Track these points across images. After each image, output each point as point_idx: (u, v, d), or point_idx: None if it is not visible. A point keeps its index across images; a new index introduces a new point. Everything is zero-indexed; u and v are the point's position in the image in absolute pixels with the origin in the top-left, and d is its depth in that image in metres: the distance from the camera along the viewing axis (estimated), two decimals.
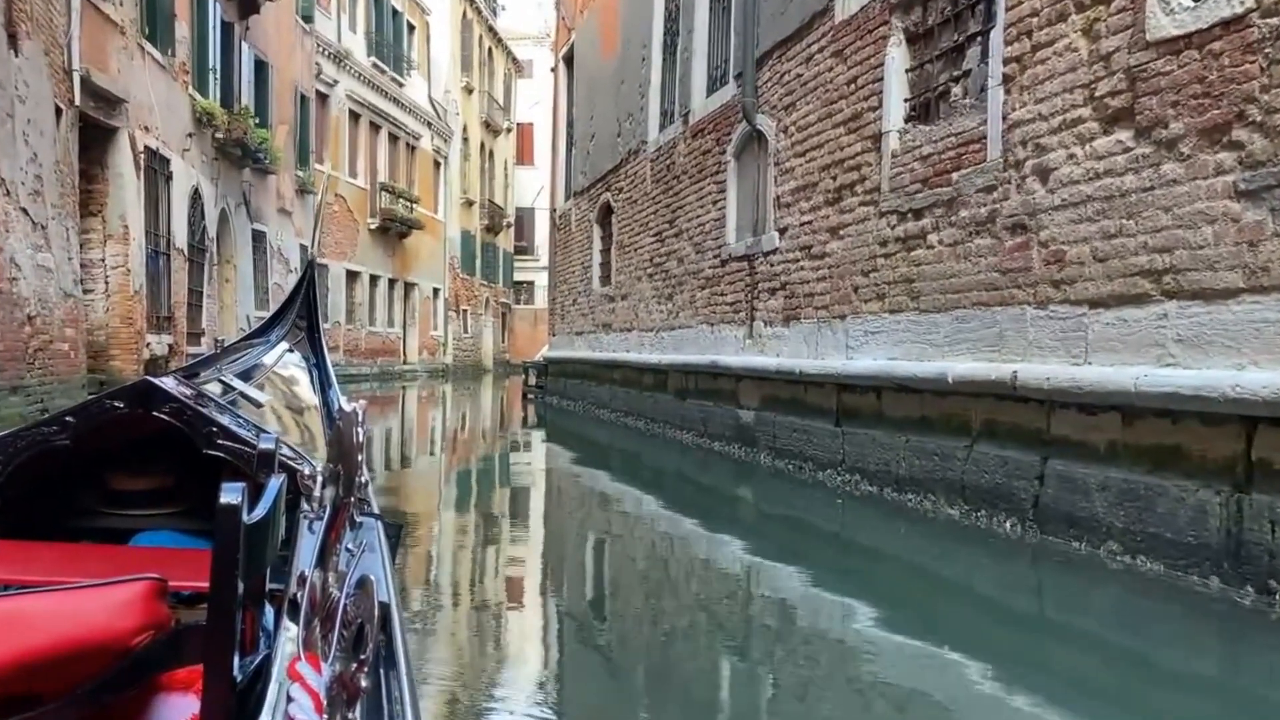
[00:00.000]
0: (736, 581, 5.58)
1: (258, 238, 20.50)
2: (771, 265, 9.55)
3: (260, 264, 20.87)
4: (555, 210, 20.12)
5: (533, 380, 20.91)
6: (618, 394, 14.22)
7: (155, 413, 2.20)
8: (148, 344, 14.77)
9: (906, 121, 7.55)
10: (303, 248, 22.84)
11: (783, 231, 9.38)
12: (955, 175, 6.79)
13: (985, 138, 6.49)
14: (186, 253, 16.52)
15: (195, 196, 17.04)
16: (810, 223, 8.81)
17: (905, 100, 7.60)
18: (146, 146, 14.82)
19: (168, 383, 2.27)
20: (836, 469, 8.14)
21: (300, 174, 23.36)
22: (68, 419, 2.19)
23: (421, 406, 21.50)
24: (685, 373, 11.55)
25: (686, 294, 11.85)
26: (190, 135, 16.88)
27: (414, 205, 31.51)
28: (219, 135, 17.73)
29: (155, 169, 15.22)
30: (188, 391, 2.33)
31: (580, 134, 17.59)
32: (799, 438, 8.78)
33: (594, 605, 5.01)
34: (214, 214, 18.06)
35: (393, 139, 30.95)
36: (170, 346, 15.64)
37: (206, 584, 1.23)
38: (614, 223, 15.09)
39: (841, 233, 8.30)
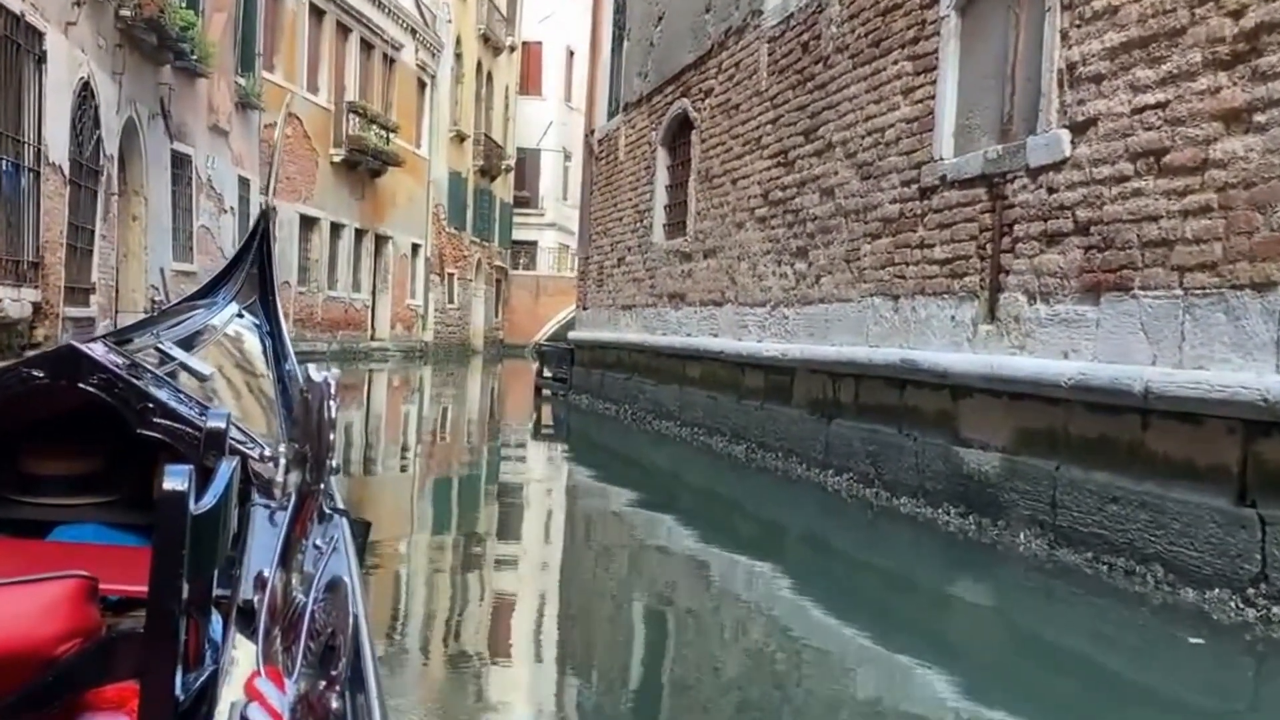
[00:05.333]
0: None
1: (180, 163, 18.76)
2: (1050, 190, 6.46)
3: (182, 199, 19.07)
4: (592, 133, 18.12)
5: (549, 371, 18.98)
6: (693, 399, 12.02)
7: (81, 384, 2.22)
8: None
9: None
10: (242, 180, 21.90)
11: (1081, 128, 6.22)
12: None
13: None
14: (68, 172, 14.06)
15: (85, 94, 14.65)
16: (1163, 106, 5.62)
17: None
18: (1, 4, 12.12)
19: (96, 349, 2.31)
20: (1243, 590, 4.84)
21: (242, 82, 21.64)
22: None
23: (393, 397, 20.91)
24: (833, 375, 8.87)
25: (839, 246, 9.04)
26: (78, 4, 14.29)
27: (391, 134, 29.98)
28: (124, 12, 15.55)
29: (17, 43, 12.51)
30: (119, 360, 2.36)
31: (639, 18, 15.33)
32: (1129, 516, 5.62)
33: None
34: (115, 123, 15.90)
35: (366, 47, 29.42)
36: (36, 306, 13.16)
37: (140, 586, 1.28)
38: (694, 143, 12.88)
39: (1259, 118, 4.91)
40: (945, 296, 7.37)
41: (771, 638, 5.14)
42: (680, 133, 13.55)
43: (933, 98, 7.68)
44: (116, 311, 16.42)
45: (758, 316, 10.60)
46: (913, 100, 7.94)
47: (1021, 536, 6.34)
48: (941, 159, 7.54)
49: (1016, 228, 6.65)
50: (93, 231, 15.25)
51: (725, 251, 11.59)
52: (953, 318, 7.25)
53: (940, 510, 7.16)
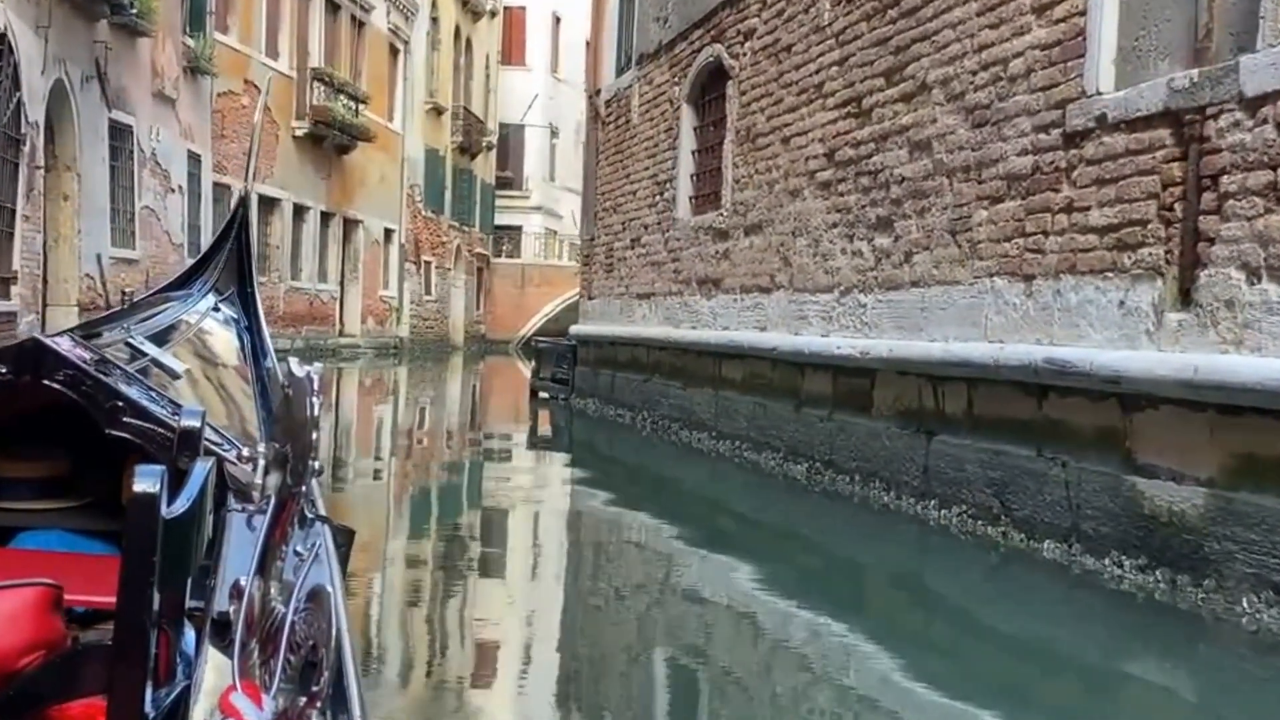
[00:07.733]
0: None
1: (119, 134, 18.71)
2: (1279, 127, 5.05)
3: (122, 175, 18.86)
4: (598, 93, 17.46)
5: (546, 371, 18.33)
6: (734, 406, 11.24)
7: (46, 381, 2.26)
8: None
9: None
10: (192, 156, 21.69)
11: None
12: None
13: None
14: None
15: (1, 49, 14.40)
16: None
17: None
18: None
19: (62, 344, 2.36)
20: None
21: (191, 43, 21.41)
22: None
23: (363, 400, 20.76)
24: (934, 379, 7.83)
25: (940, 213, 7.95)
26: None
27: (360, 106, 30.03)
28: None
29: None
30: (87, 355, 2.40)
31: None
32: None
33: None
34: (40, 85, 15.66)
35: (332, 8, 29.41)
36: None
37: (109, 597, 1.30)
38: (730, 96, 12.11)
39: None
40: (1109, 275, 6.14)
41: (847, 715, 4.45)
42: (711, 85, 12.83)
43: (1082, 13, 6.47)
44: (44, 305, 16.20)
45: (822, 305, 9.64)
46: (1049, 20, 6.72)
47: (1244, 603, 5.10)
48: (1098, 94, 6.35)
49: (1224, 180, 5.40)
50: (13, 211, 14.97)
51: (775, 226, 10.67)
52: (1121, 303, 6.00)
53: (1107, 560, 5.91)
